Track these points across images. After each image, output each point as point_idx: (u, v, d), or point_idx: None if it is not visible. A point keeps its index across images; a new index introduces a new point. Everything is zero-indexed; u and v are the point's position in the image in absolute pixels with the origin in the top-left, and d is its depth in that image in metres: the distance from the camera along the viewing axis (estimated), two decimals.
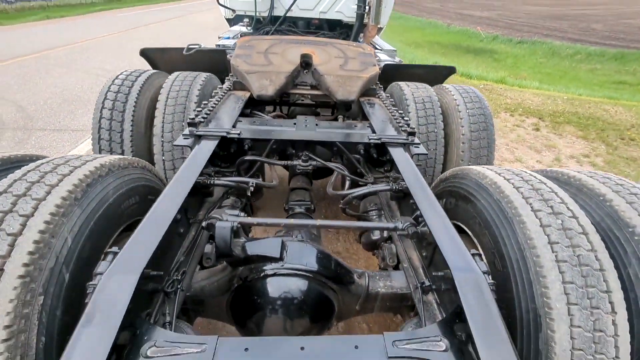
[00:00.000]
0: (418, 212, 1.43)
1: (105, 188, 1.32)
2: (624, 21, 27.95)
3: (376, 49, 4.47)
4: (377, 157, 2.04)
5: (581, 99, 7.49)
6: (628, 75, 12.89)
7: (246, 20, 4.61)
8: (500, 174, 1.47)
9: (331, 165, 1.93)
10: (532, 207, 1.26)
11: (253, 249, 1.40)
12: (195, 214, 1.64)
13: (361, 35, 4.43)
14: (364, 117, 2.40)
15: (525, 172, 1.51)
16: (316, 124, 2.12)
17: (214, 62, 3.05)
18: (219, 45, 3.76)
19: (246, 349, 0.88)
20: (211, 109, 2.08)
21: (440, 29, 22.42)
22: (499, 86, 8.37)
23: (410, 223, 1.43)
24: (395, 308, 1.53)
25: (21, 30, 14.34)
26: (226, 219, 1.33)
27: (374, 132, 2.01)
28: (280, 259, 1.41)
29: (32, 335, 0.99)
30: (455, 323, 1.01)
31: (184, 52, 2.98)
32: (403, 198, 1.82)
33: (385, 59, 3.77)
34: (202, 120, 1.88)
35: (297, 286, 1.41)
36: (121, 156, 1.54)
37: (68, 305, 1.09)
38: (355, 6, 4.22)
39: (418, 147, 1.85)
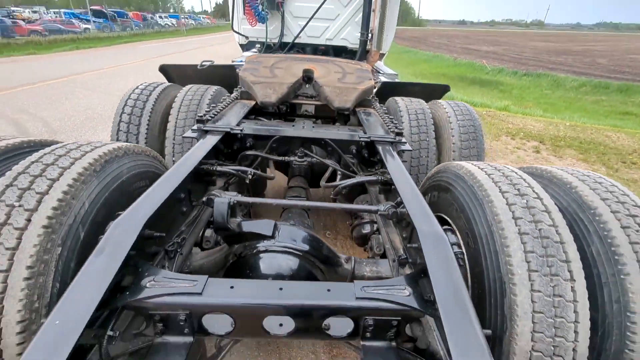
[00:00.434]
0: (399, 198, 1.56)
1: (120, 167, 1.50)
2: (630, 56, 28.46)
3: (378, 73, 4.75)
4: (369, 158, 2.20)
5: (583, 125, 7.60)
6: (634, 107, 12.99)
7: (258, 46, 5.00)
8: (476, 166, 1.61)
9: (326, 161, 2.09)
10: (500, 189, 1.39)
11: (248, 226, 1.54)
12: (198, 200, 1.81)
13: (364, 60, 4.74)
14: (360, 125, 2.59)
15: (500, 165, 1.64)
16: (313, 126, 2.32)
17: (224, 77, 3.34)
18: None
19: (232, 287, 1.01)
20: (219, 110, 2.31)
21: (447, 62, 23.18)
22: (502, 113, 8.57)
23: (391, 206, 1.56)
24: None
25: (52, 58, 15.47)
26: (224, 196, 1.49)
27: (365, 133, 2.19)
28: (272, 237, 1.54)
29: (49, 279, 1.14)
30: (420, 278, 1.11)
31: (199, 67, 3.29)
32: (390, 192, 1.95)
33: (385, 80, 4.03)
34: (210, 118, 2.09)
35: (287, 263, 1.52)
36: (136, 144, 1.74)
37: (81, 260, 1.23)
38: (359, 33, 4.56)
39: (404, 145, 2.01)
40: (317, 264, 1.57)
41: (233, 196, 1.52)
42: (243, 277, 1.52)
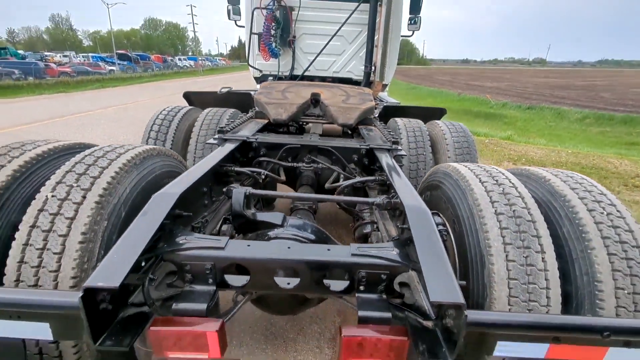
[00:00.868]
0: (393, 191, 1.78)
1: (154, 163, 1.78)
2: (633, 90, 28.95)
3: (381, 101, 5.12)
4: (369, 165, 2.44)
5: (586, 153, 7.76)
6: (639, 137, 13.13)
7: (270, 78, 5.48)
8: (462, 164, 1.83)
9: (331, 167, 2.35)
10: (480, 180, 1.60)
11: (260, 216, 1.76)
12: (217, 197, 2.05)
13: None
14: (362, 139, 2.86)
15: (483, 164, 1.86)
16: (319, 137, 2.60)
17: (240, 102, 3.73)
18: None
19: (249, 245, 1.22)
20: (237, 125, 2.63)
21: (451, 97, 23.94)
22: (505, 142, 8.81)
23: (386, 197, 1.77)
24: None
25: (79, 96, 16.65)
26: (241, 188, 1.73)
27: (365, 142, 2.46)
28: (282, 226, 1.75)
29: (97, 246, 1.36)
30: (407, 244, 1.30)
31: (218, 92, 3.70)
32: (387, 192, 2.16)
33: (386, 104, 4.37)
34: (229, 130, 2.40)
35: None
36: (167, 148, 2.03)
37: (121, 233, 1.46)
38: (363, 66, 4.99)
39: (400, 150, 2.26)
40: None
41: (248, 188, 1.77)
42: None
